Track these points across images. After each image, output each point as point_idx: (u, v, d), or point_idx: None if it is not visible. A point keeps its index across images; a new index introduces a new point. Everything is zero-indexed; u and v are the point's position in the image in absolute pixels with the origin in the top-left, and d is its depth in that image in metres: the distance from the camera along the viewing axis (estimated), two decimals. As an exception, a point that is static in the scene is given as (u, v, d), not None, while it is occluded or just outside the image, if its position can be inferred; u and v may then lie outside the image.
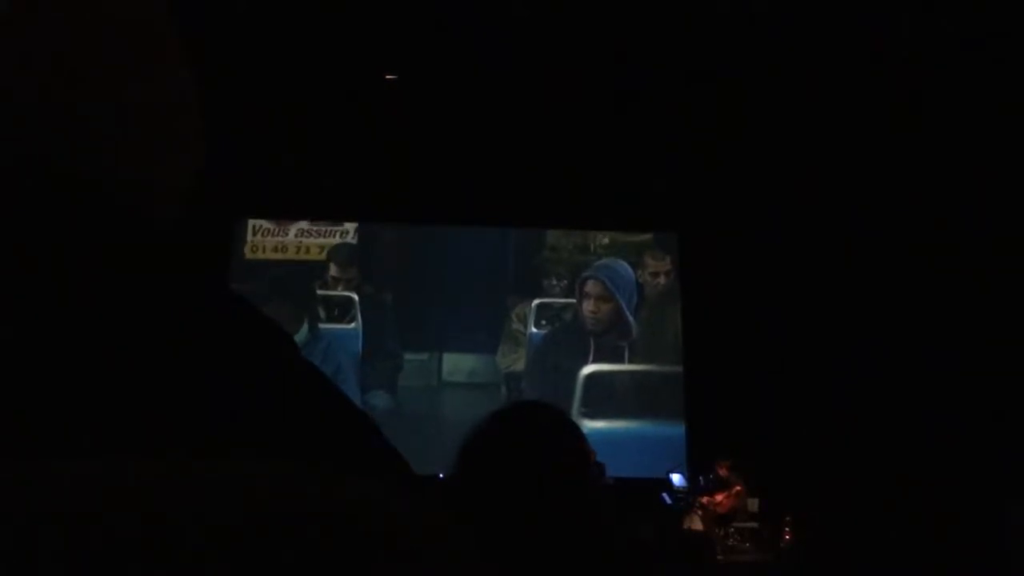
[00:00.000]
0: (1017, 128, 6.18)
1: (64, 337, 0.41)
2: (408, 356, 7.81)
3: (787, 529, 5.62)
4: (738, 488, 5.97)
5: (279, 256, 7.90)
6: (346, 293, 7.91)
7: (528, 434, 1.27)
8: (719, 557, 5.52)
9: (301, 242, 7.96)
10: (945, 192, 6.68)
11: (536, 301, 7.95)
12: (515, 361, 7.87)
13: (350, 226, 8.01)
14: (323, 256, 7.95)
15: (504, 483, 1.21)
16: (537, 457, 1.24)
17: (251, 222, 7.85)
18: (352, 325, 7.83)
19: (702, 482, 6.21)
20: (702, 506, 5.92)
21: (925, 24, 5.72)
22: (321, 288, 7.90)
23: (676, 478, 6.35)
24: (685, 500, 6.13)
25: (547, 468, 1.23)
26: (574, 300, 7.99)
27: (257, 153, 7.00)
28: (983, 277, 6.55)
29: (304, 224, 7.95)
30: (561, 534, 1.19)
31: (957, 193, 6.64)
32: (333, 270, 7.93)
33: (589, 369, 7.82)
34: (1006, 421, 6.09)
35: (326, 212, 7.89)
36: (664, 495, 6.25)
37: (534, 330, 7.92)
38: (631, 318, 7.94)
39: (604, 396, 7.70)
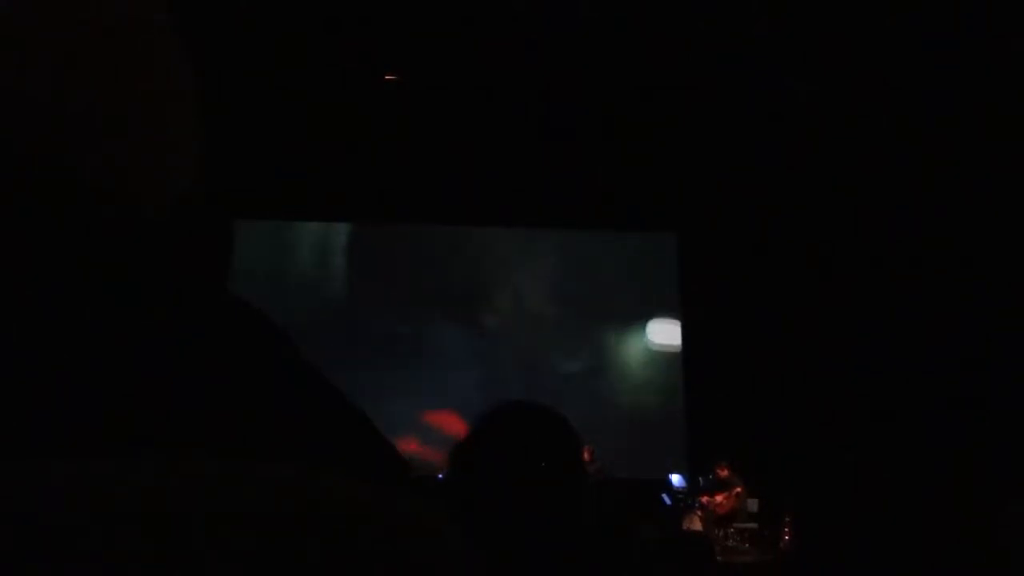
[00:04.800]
0: (1017, 128, 6.17)
1: (63, 338, 0.41)
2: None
3: (787, 529, 5.61)
4: (738, 489, 5.97)
5: (274, 256, 7.89)
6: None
7: (523, 433, 1.27)
8: (719, 558, 5.51)
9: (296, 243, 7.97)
10: (945, 193, 6.68)
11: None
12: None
13: (344, 226, 8.00)
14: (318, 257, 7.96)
15: (500, 483, 1.21)
16: (533, 456, 1.24)
17: (246, 223, 7.83)
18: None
19: (702, 483, 6.21)
20: (702, 506, 5.92)
21: (924, 25, 5.72)
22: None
23: (676, 479, 6.35)
24: (685, 501, 6.13)
25: (542, 467, 1.23)
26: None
27: (253, 153, 6.99)
28: (983, 277, 6.54)
29: (299, 225, 7.95)
30: (557, 533, 1.19)
31: (957, 194, 6.64)
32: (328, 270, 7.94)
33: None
34: (1004, 420, 6.08)
35: (322, 212, 7.87)
36: (664, 496, 6.25)
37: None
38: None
39: (600, 398, 7.70)
